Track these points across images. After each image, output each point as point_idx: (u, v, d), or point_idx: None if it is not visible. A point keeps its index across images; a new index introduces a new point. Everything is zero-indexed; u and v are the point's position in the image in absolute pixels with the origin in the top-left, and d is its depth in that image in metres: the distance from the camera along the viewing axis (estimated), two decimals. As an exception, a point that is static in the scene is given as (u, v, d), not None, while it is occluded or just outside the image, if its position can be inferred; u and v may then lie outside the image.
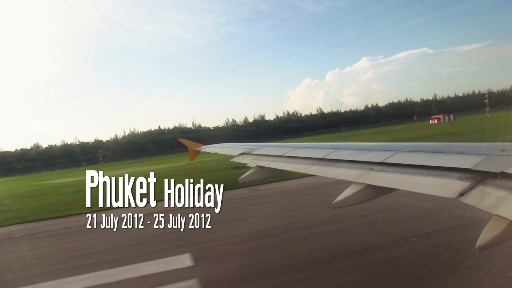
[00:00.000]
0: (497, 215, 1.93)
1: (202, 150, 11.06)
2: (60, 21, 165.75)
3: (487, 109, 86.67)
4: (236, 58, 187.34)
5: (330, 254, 7.23)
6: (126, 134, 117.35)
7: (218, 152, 9.16)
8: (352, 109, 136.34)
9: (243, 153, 6.83)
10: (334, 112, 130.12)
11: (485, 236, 1.94)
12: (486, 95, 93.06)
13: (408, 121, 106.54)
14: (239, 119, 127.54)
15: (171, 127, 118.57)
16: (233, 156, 7.09)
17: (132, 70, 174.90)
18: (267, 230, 9.33)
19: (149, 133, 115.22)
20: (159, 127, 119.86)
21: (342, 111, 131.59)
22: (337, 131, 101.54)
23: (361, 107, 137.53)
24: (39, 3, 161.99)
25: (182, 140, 12.46)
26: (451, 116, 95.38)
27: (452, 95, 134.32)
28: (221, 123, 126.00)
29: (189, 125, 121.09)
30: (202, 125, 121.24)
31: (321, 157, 4.35)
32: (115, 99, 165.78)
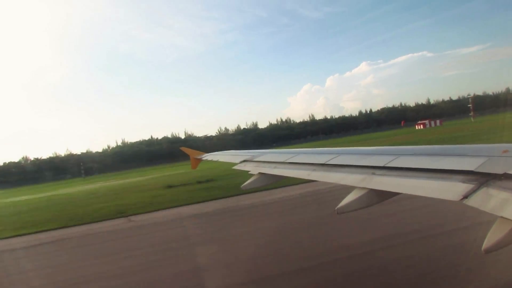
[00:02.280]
0: (502, 217, 1.91)
1: (203, 158, 11.05)
2: (61, 28, 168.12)
3: (471, 113, 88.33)
4: (236, 65, 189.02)
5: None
6: (119, 144, 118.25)
7: (220, 160, 9.15)
8: (353, 114, 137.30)
9: (244, 160, 6.81)
10: (324, 119, 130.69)
11: (491, 238, 1.92)
12: (470, 100, 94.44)
13: (397, 126, 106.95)
14: (233, 127, 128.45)
15: (163, 137, 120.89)
16: (235, 164, 7.07)
17: (131, 78, 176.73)
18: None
19: (138, 144, 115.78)
20: (151, 136, 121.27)
21: (336, 116, 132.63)
22: (325, 138, 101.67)
23: (362, 111, 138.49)
24: (40, 11, 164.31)
25: (184, 149, 12.48)
26: (437, 121, 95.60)
27: (454, 97, 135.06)
28: (219, 131, 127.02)
29: (183, 134, 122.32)
30: (198, 134, 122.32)
31: (323, 162, 4.34)
32: (112, 107, 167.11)
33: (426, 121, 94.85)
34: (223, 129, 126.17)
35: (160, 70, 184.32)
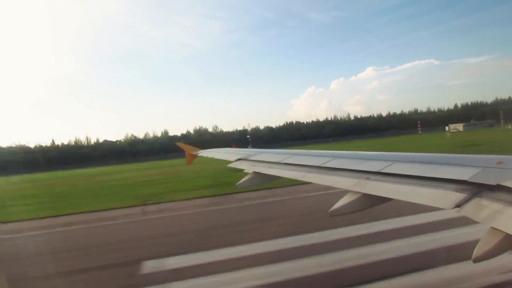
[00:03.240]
0: (492, 227, 1.93)
1: (199, 155, 11.02)
2: (68, 25, 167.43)
3: (419, 128, 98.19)
4: (241, 65, 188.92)
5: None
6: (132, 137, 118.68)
7: (215, 157, 9.13)
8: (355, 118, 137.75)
9: (240, 159, 6.81)
10: (306, 124, 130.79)
11: (481, 248, 1.94)
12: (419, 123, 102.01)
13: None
14: (232, 127, 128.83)
15: (143, 135, 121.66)
16: (230, 162, 7.07)
17: (137, 74, 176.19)
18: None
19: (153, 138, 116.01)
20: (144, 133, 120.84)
21: (321, 120, 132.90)
22: (305, 144, 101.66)
23: (365, 116, 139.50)
24: (48, 7, 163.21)
25: (180, 144, 12.43)
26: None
27: (459, 106, 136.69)
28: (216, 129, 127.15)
29: (177, 132, 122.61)
30: (179, 132, 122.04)
31: (318, 165, 4.35)
32: (118, 102, 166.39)
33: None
34: (199, 128, 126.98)
35: (166, 67, 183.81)
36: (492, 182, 2.24)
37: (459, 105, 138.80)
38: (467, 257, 2.01)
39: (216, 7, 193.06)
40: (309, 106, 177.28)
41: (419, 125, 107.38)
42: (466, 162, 2.78)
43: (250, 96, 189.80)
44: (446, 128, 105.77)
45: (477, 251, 1.94)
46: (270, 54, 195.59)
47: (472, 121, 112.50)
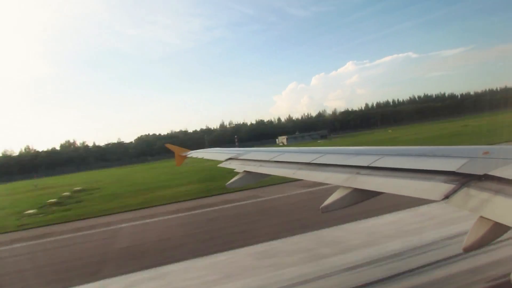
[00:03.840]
0: (481, 216, 1.94)
1: (188, 155, 10.90)
2: (45, 23, 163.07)
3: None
4: (223, 62, 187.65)
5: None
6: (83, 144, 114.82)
7: (205, 157, 9.04)
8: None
9: (230, 158, 6.75)
10: (262, 122, 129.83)
11: (471, 237, 1.95)
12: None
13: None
14: (217, 125, 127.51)
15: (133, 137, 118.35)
16: (220, 161, 7.00)
17: (117, 74, 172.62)
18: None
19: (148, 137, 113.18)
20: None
21: (293, 118, 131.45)
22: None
23: (345, 110, 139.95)
24: (25, 5, 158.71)
25: (169, 146, 12.26)
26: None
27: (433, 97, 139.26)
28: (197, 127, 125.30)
29: (166, 130, 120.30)
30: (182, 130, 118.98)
31: (308, 161, 4.34)
32: (98, 102, 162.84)
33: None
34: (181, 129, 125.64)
35: (146, 65, 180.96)
36: (480, 172, 2.26)
37: (434, 96, 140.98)
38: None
39: (195, 4, 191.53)
40: (291, 102, 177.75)
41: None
42: (454, 153, 2.80)
43: (232, 94, 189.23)
44: (277, 140, 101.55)
45: (467, 241, 1.95)
46: (251, 50, 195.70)
47: (296, 133, 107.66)
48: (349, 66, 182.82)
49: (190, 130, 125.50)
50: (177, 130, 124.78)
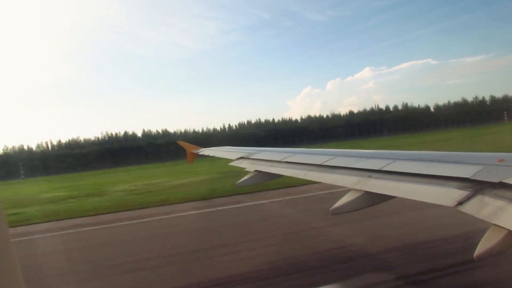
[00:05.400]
0: (495, 224, 1.93)
1: (200, 153, 11.03)
2: (64, 27, 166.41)
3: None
4: (238, 66, 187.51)
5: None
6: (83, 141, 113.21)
7: (216, 156, 9.14)
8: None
9: (241, 157, 6.82)
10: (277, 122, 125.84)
11: (483, 245, 1.93)
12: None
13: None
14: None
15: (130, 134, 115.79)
16: (231, 160, 7.07)
17: (134, 76, 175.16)
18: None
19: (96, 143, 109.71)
20: (110, 134, 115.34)
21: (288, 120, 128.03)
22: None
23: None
24: (43, 9, 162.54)
25: (180, 143, 12.41)
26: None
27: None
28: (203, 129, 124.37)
29: (172, 131, 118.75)
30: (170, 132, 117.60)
31: (319, 163, 4.36)
32: (114, 105, 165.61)
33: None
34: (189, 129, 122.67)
35: (162, 68, 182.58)
36: (495, 179, 2.23)
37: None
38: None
39: (212, 8, 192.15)
40: (304, 107, 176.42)
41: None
42: (468, 160, 2.78)
43: (247, 98, 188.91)
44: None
45: (479, 249, 1.94)
46: (267, 54, 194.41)
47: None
48: (366, 72, 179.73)
49: (202, 130, 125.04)
50: (191, 130, 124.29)
